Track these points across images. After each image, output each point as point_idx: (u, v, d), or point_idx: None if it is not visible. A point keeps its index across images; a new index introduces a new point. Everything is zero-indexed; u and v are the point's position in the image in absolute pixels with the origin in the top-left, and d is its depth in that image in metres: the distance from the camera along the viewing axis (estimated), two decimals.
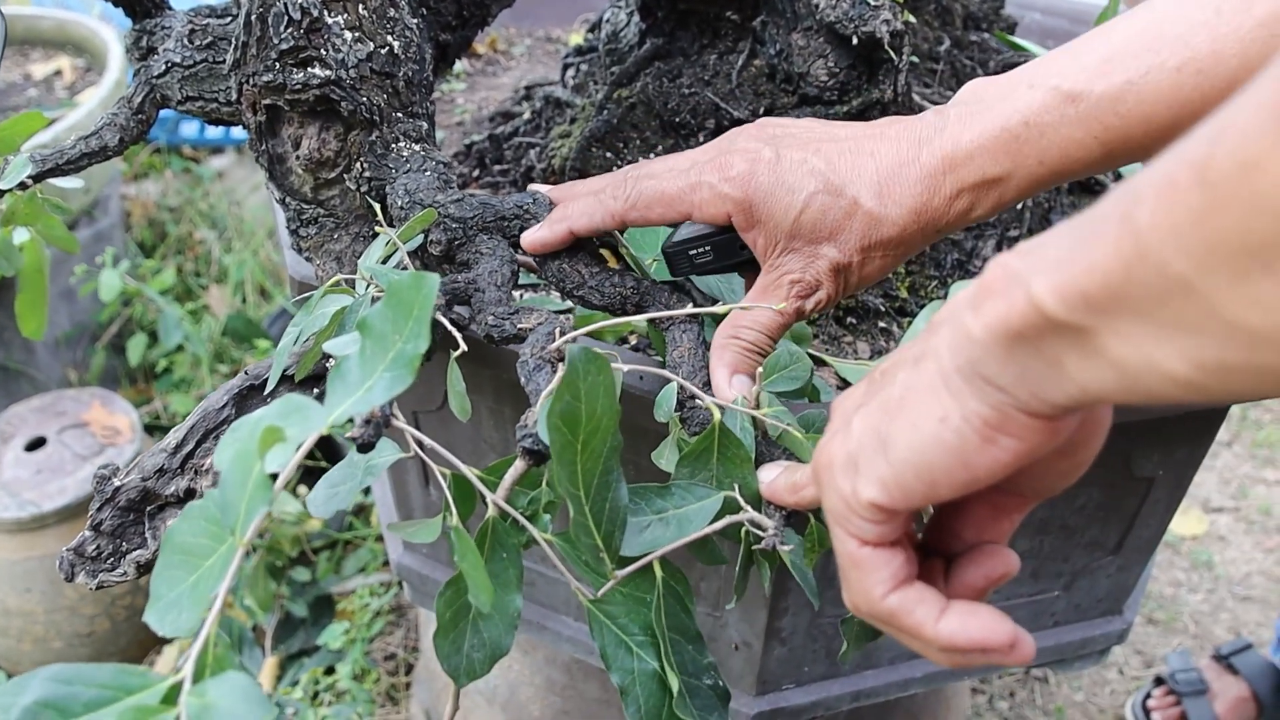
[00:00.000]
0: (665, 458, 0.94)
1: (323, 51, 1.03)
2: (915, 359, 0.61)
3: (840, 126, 0.92)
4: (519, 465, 0.82)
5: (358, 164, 1.08)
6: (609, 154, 1.36)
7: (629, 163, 1.35)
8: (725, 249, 0.95)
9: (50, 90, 3.02)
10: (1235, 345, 0.44)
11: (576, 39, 2.09)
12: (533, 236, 0.98)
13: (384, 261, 0.96)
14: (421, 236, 0.99)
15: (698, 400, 0.91)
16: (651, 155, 1.35)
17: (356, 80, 1.04)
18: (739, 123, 1.31)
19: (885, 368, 0.66)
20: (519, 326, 0.92)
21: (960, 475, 0.58)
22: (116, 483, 1.05)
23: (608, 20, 1.46)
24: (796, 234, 0.88)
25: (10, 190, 1.15)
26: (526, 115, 1.62)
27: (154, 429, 2.76)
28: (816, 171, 0.87)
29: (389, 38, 1.07)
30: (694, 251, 0.96)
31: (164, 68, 1.17)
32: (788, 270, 0.89)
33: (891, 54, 1.23)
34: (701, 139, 1.33)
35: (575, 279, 0.98)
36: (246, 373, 1.08)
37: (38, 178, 1.15)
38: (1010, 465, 0.57)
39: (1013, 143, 0.82)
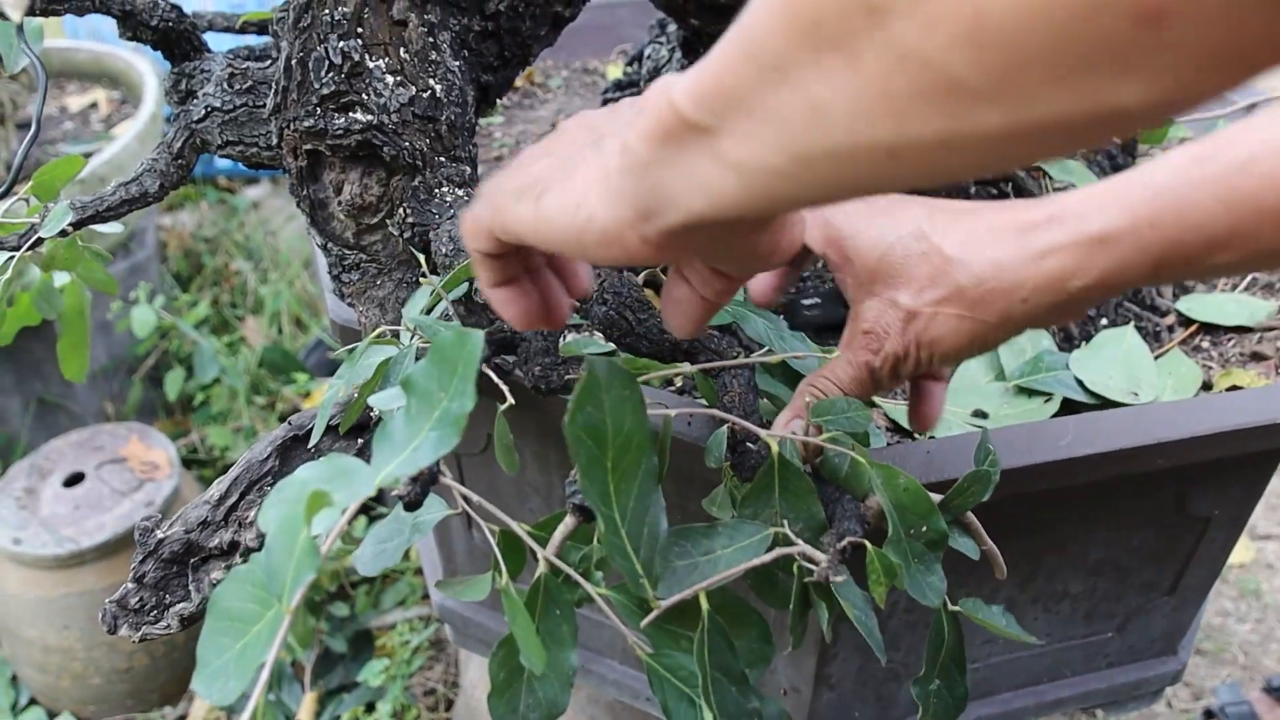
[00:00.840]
0: (718, 505, 0.92)
1: (364, 96, 1.02)
2: (598, 140, 0.65)
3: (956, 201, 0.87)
4: (569, 522, 0.81)
5: (400, 209, 1.06)
6: None
7: None
8: (831, 299, 0.93)
9: (86, 123, 3.02)
10: (814, 128, 0.48)
11: (615, 71, 2.08)
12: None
13: (428, 311, 0.94)
14: (466, 284, 0.97)
15: (749, 444, 0.89)
16: None
17: (398, 125, 1.03)
18: None
19: (581, 130, 0.72)
20: (566, 377, 0.90)
21: (575, 252, 0.66)
22: (159, 535, 1.04)
23: (649, 56, 1.45)
24: (877, 276, 0.83)
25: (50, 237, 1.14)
26: None
27: (191, 463, 2.75)
28: (913, 216, 0.83)
29: (431, 81, 1.05)
30: (806, 302, 0.94)
31: (204, 112, 1.16)
32: (863, 318, 0.85)
33: None
34: None
35: (622, 326, 0.96)
36: (290, 423, 1.07)
37: (78, 225, 1.14)
38: (615, 263, 0.70)
39: (1122, 196, 0.75)
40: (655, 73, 1.42)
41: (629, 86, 1.59)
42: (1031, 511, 1.15)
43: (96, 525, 2.23)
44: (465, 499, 0.84)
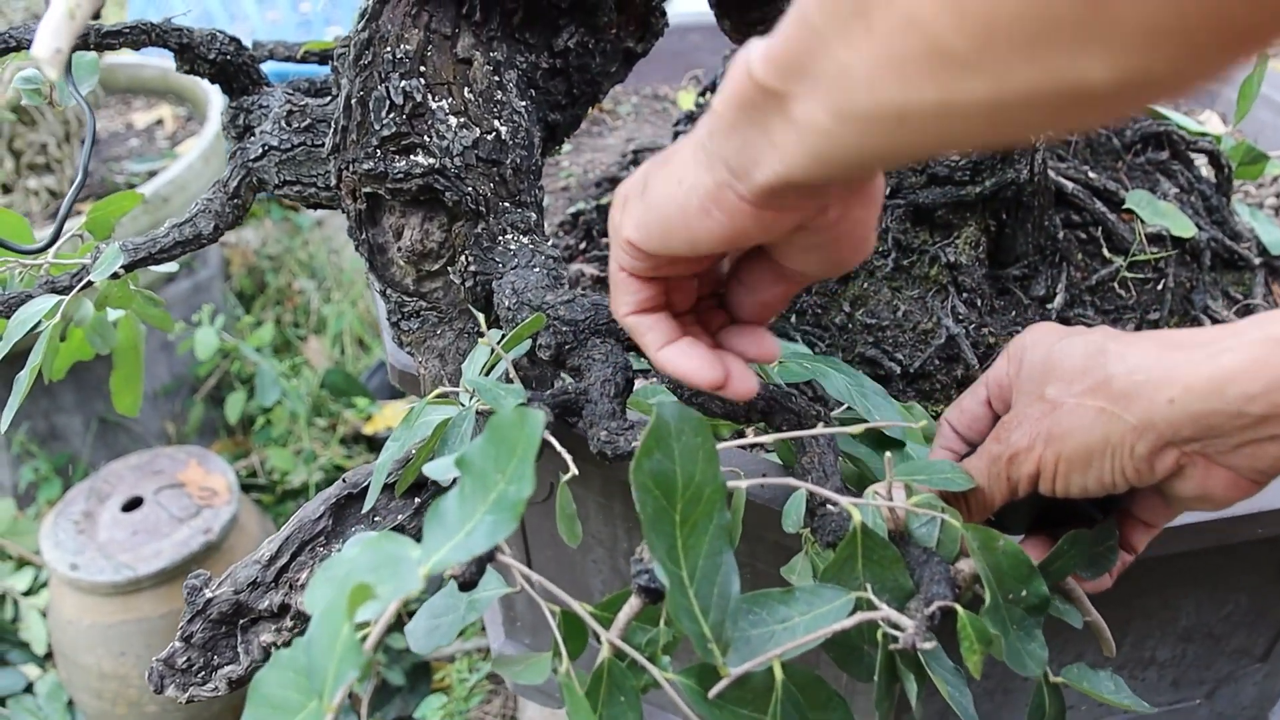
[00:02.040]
0: (798, 573, 0.86)
1: (426, 138, 0.98)
2: (694, 128, 0.66)
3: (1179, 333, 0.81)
4: (634, 603, 0.75)
5: (462, 257, 1.02)
6: None
7: None
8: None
9: (151, 140, 3.01)
10: (844, 90, 0.52)
11: (686, 99, 2.03)
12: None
13: (488, 371, 0.89)
14: (530, 341, 0.93)
15: (830, 506, 0.84)
16: None
17: (461, 169, 0.99)
18: None
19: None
20: (634, 444, 0.85)
21: (684, 234, 0.67)
22: (208, 594, 1.00)
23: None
24: (1033, 376, 0.78)
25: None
26: None
27: (251, 487, 2.72)
28: (1099, 332, 0.76)
29: (496, 123, 1.01)
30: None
31: (260, 151, 1.12)
32: (1012, 412, 0.79)
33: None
34: None
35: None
36: (345, 480, 1.02)
37: (130, 267, 1.10)
38: (723, 238, 0.66)
39: None
40: None
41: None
42: (1120, 576, 1.09)
43: (154, 552, 2.20)
44: (526, 578, 0.79)
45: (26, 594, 2.52)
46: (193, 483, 2.32)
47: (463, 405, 0.88)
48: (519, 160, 1.02)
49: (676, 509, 0.67)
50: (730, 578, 0.70)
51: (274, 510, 2.63)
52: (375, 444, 2.75)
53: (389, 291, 1.06)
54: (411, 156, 0.98)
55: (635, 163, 1.71)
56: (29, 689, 2.41)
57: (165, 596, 2.21)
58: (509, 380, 0.87)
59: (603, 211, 1.54)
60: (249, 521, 2.33)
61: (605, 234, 1.52)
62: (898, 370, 1.22)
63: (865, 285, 1.24)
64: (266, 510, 2.62)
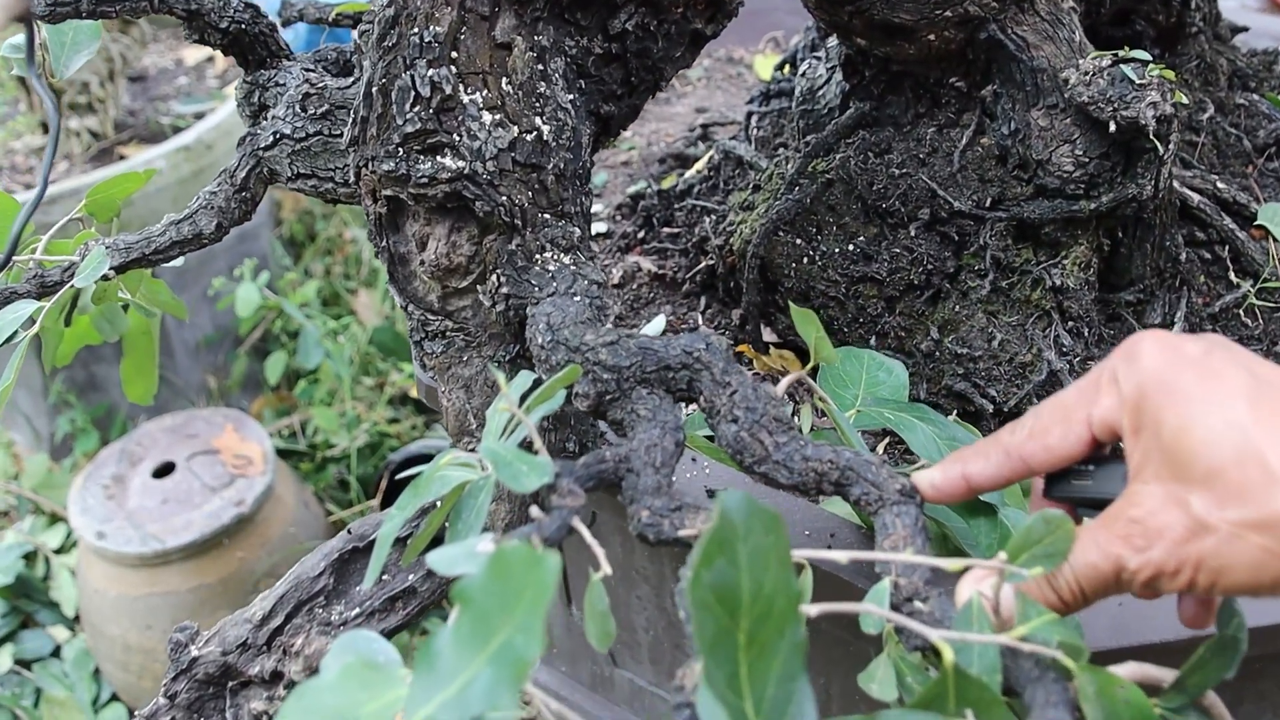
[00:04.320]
0: (879, 682, 0.72)
1: (455, 137, 0.84)
2: None
3: None
4: None
5: (493, 276, 0.88)
6: (800, 240, 1.14)
7: (823, 254, 1.13)
8: (1110, 477, 0.71)
9: (201, 78, 2.89)
10: None
11: (764, 65, 1.87)
12: (925, 479, 0.77)
13: (508, 434, 0.75)
14: (564, 390, 0.79)
15: (919, 603, 0.70)
16: (851, 246, 1.12)
17: (495, 174, 0.85)
18: (959, 215, 1.09)
19: None
20: (680, 531, 0.71)
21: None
22: (194, 652, 0.89)
23: (804, 75, 1.24)
24: (1171, 460, 0.62)
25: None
26: (702, 168, 1.40)
27: (290, 453, 2.60)
28: (1233, 395, 0.61)
29: (537, 120, 0.87)
30: (1078, 469, 0.73)
31: (272, 139, 0.98)
32: (1138, 504, 0.64)
33: (1156, 143, 0.99)
34: (913, 231, 1.11)
35: (757, 451, 0.77)
36: (349, 532, 0.90)
37: (121, 269, 0.97)
38: None
39: None
40: (810, 94, 1.22)
41: (777, 96, 1.39)
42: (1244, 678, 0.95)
43: (184, 524, 2.09)
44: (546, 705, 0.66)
45: (59, 551, 2.43)
46: (227, 450, 2.20)
47: (481, 469, 0.74)
48: (563, 165, 0.88)
49: (742, 628, 0.55)
50: (805, 707, 0.57)
51: (314, 479, 2.52)
52: (423, 407, 2.63)
53: (411, 308, 0.93)
54: (438, 158, 0.84)
55: (704, 138, 1.56)
56: (56, 653, 2.32)
57: (194, 570, 2.11)
58: (532, 448, 0.73)
59: (665, 196, 1.40)
60: (285, 492, 2.22)
61: (667, 222, 1.38)
62: (990, 408, 1.07)
63: (957, 308, 1.10)
64: (306, 479, 2.50)
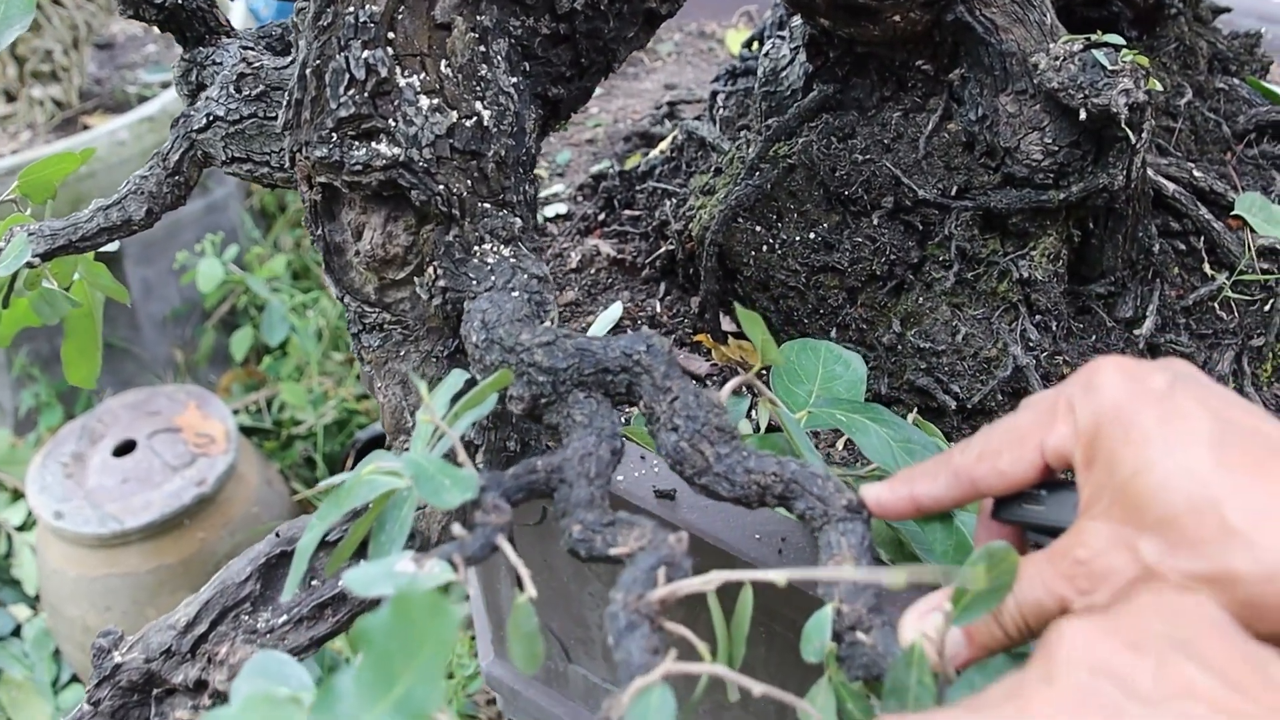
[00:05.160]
0: (819, 708, 0.69)
1: (391, 122, 0.80)
2: None
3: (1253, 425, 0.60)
4: None
5: (431, 268, 0.84)
6: (759, 227, 1.10)
7: (783, 242, 1.09)
8: (1061, 503, 0.67)
9: (170, 46, 2.83)
10: None
11: (735, 39, 1.82)
12: (872, 494, 0.73)
13: (436, 440, 0.71)
14: (496, 397, 0.75)
15: (861, 634, 0.66)
16: (812, 234, 1.08)
17: (432, 162, 0.81)
18: (924, 203, 1.04)
19: None
20: (612, 548, 0.67)
21: None
22: (117, 658, 0.85)
23: (768, 55, 1.20)
24: (1123, 499, 0.58)
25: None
26: (666, 149, 1.36)
27: (254, 431, 2.55)
28: (1195, 439, 0.57)
29: (477, 104, 0.82)
30: (1026, 494, 0.69)
31: (205, 121, 0.94)
32: (1085, 543, 0.59)
33: (1128, 132, 0.95)
34: (876, 220, 1.06)
35: (697, 462, 0.73)
36: (278, 535, 0.86)
37: (47, 256, 0.93)
38: None
39: None
40: (774, 75, 1.17)
41: (744, 75, 1.34)
42: None
43: (143, 504, 2.05)
44: None
45: (20, 529, 2.39)
46: (189, 428, 2.17)
47: (405, 479, 0.70)
48: (504, 152, 0.84)
49: None
50: None
51: (279, 457, 2.48)
52: None
53: (348, 299, 0.89)
54: (372, 144, 0.80)
55: (671, 116, 1.52)
56: (17, 632, 2.29)
57: (154, 551, 2.07)
58: (456, 463, 0.69)
59: (627, 177, 1.35)
60: (248, 471, 2.18)
61: (628, 204, 1.33)
62: (952, 404, 1.03)
63: (921, 300, 1.06)
64: (271, 457, 2.46)
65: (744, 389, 0.87)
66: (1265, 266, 1.10)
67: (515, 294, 0.81)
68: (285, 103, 0.83)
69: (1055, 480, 0.67)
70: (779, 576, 0.64)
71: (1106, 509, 0.58)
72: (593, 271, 1.25)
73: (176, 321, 2.68)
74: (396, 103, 0.80)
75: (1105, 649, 0.51)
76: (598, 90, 1.70)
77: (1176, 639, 0.50)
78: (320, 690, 0.51)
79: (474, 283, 0.83)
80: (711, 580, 0.64)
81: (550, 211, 1.36)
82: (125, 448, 2.17)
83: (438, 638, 0.47)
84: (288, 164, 0.86)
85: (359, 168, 0.80)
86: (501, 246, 0.84)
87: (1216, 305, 1.10)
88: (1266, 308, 1.11)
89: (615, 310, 1.17)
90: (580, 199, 1.39)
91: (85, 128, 2.47)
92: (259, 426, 2.56)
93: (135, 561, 2.06)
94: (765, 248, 1.09)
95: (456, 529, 0.65)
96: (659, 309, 1.20)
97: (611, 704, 0.58)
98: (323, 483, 0.75)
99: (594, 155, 1.50)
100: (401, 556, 0.63)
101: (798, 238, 1.08)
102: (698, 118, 1.42)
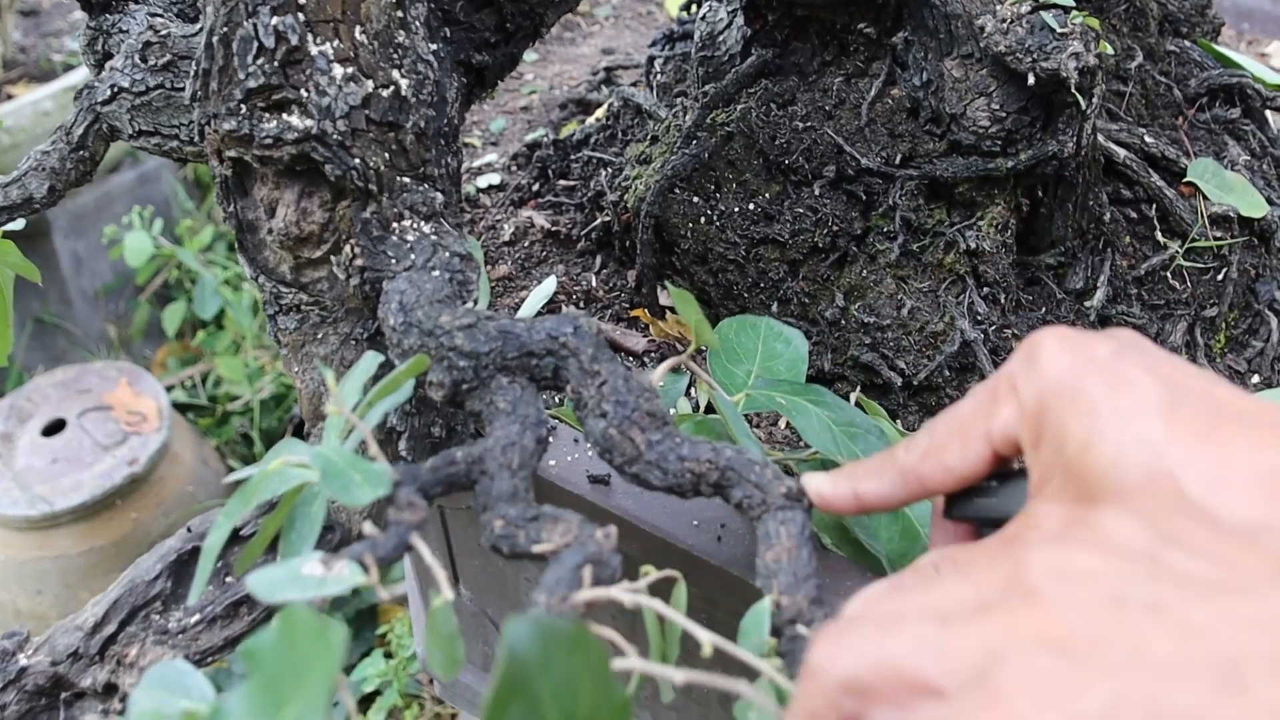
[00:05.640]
0: (756, 713, 0.65)
1: (303, 93, 0.75)
2: None
3: (1245, 394, 0.55)
4: None
5: (347, 246, 0.79)
6: (697, 198, 1.06)
7: (721, 213, 1.05)
8: (1014, 494, 0.63)
9: None
10: None
11: (674, 1, 1.77)
12: (814, 486, 0.69)
13: (349, 432, 0.67)
14: (413, 385, 0.70)
15: (803, 630, 0.63)
16: (751, 204, 1.04)
17: (347, 134, 0.76)
18: (867, 172, 1.01)
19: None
20: (536, 545, 0.63)
21: None
22: (22, 661, 0.80)
23: (704, 18, 1.15)
24: (1076, 477, 0.54)
25: None
26: (602, 116, 1.32)
27: (189, 407, 2.50)
28: (1147, 407, 0.53)
29: (395, 74, 0.78)
30: (977, 487, 0.64)
31: (110, 93, 0.89)
32: (1035, 525, 0.54)
33: (1078, 97, 0.92)
34: (817, 190, 1.02)
35: (627, 450, 0.69)
36: (189, 530, 0.81)
37: None
38: None
39: None
40: (711, 39, 1.13)
41: (682, 39, 1.30)
42: None
43: (73, 485, 2.00)
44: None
45: None
46: (121, 405, 2.11)
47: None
48: (424, 123, 0.80)
49: None
50: None
51: (214, 434, 2.42)
52: None
53: (262, 280, 0.84)
54: (283, 116, 0.76)
55: (607, 82, 1.48)
56: None
57: (85, 533, 2.02)
58: (368, 456, 0.64)
59: (561, 146, 1.31)
60: (182, 449, 2.13)
61: (563, 174, 1.29)
62: (899, 381, 1.00)
63: (865, 273, 1.02)
64: (206, 434, 2.41)
65: (682, 368, 0.83)
66: (1218, 234, 1.07)
67: (436, 273, 0.77)
68: (192, 73, 0.79)
69: (1007, 470, 0.63)
70: (706, 639, 0.60)
71: (1058, 489, 0.55)
72: (526, 244, 1.20)
73: (109, 296, 2.62)
74: (308, 72, 0.75)
75: (1087, 558, 0.47)
76: (532, 55, 1.65)
77: (1159, 535, 0.47)
78: (210, 711, 0.48)
79: (393, 261, 0.78)
80: (639, 586, 0.61)
81: (483, 182, 1.31)
82: (54, 427, 2.12)
83: (323, 664, 0.43)
84: (197, 137, 0.81)
85: (270, 141, 0.76)
86: (422, 223, 0.80)
87: (1169, 275, 1.07)
88: (1219, 277, 1.08)
89: (549, 285, 1.13)
90: (514, 169, 1.34)
91: (9, 97, 2.40)
92: (194, 403, 2.50)
93: (66, 544, 2.01)
94: (703, 219, 1.05)
95: (368, 528, 0.60)
96: (595, 283, 1.16)
97: None
98: (231, 475, 0.71)
99: (529, 123, 1.45)
100: (310, 558, 0.59)
101: (736, 208, 1.04)
102: (634, 84, 1.38)
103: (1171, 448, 0.51)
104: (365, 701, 1.98)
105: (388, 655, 1.97)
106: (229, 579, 0.81)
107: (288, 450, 0.68)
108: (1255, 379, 1.09)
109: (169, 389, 2.44)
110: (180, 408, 2.44)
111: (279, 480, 0.66)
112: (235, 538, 0.83)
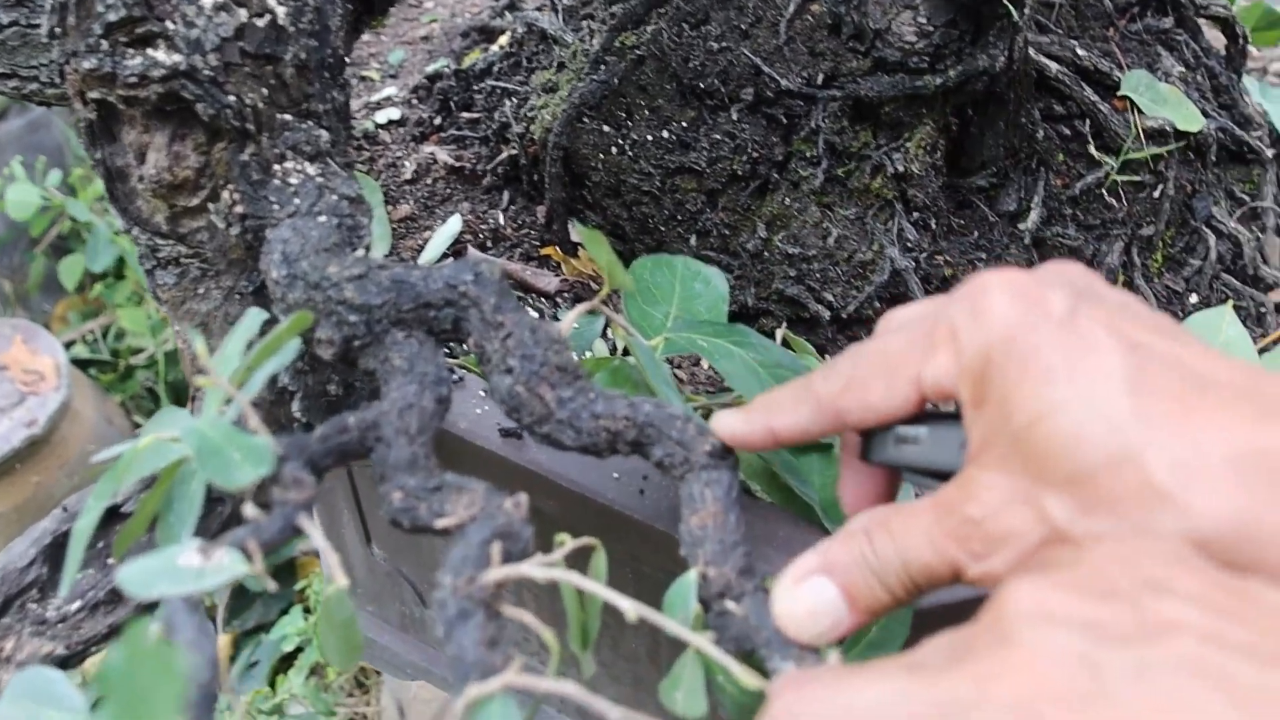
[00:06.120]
0: (684, 691, 0.60)
1: (169, 25, 0.69)
2: None
3: (1215, 356, 0.50)
4: None
5: (225, 192, 0.73)
6: (607, 127, 0.99)
7: (634, 143, 0.99)
8: (944, 443, 0.57)
9: None
10: None
11: None
12: (726, 425, 0.63)
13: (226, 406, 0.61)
14: (301, 344, 0.64)
15: (731, 605, 0.58)
16: (665, 132, 0.98)
17: (219, 69, 0.70)
18: (787, 94, 0.95)
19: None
20: (439, 519, 0.58)
21: None
22: None
23: None
24: (1025, 449, 0.48)
25: None
26: (506, 43, 1.25)
27: (92, 363, 2.41)
28: (1120, 371, 0.47)
29: (270, 1, 0.71)
30: (902, 432, 0.58)
31: None
32: (978, 498, 0.50)
33: (1009, 8, 0.86)
34: (735, 114, 0.96)
35: (536, 409, 0.63)
36: (65, 509, 0.75)
37: None
38: None
39: None
40: None
41: None
42: None
43: None
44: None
45: None
46: (16, 365, 2.02)
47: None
48: (304, 54, 0.73)
49: None
50: None
51: (118, 389, 2.34)
52: None
53: (137, 231, 0.77)
54: (149, 51, 0.69)
55: (511, 7, 1.40)
56: None
57: None
58: (248, 429, 0.58)
59: (464, 76, 1.24)
60: (84, 408, 2.05)
61: (465, 106, 1.22)
62: (827, 315, 0.95)
63: (788, 201, 0.96)
64: (110, 390, 2.32)
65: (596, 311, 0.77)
66: (1153, 149, 1.03)
67: (323, 219, 0.70)
68: (49, 7, 0.71)
69: (933, 413, 0.57)
70: (629, 608, 0.54)
71: (1002, 458, 0.49)
72: (429, 182, 1.14)
73: (3, 250, 2.51)
74: (175, 2, 0.68)
75: (1069, 602, 0.41)
76: None
77: (1146, 581, 0.41)
78: None
79: (275, 207, 0.72)
80: (555, 559, 0.55)
81: (382, 117, 1.24)
82: None
83: (165, 698, 0.38)
84: (58, 78, 0.74)
85: (135, 80, 0.69)
86: (306, 164, 0.73)
87: (1104, 193, 1.02)
88: (1156, 194, 1.03)
89: (454, 224, 1.06)
90: (415, 102, 1.27)
91: None
92: (96, 358, 2.41)
93: None
94: (614, 149, 0.99)
95: (249, 510, 0.54)
96: (502, 220, 1.09)
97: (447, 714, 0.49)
98: (101, 454, 0.64)
99: (429, 53, 1.38)
100: (187, 547, 0.53)
101: (649, 137, 0.98)
102: (539, 8, 1.31)
103: (1137, 426, 0.45)
104: (287, 660, 1.92)
105: (308, 611, 1.91)
106: (110, 560, 0.74)
107: (166, 421, 0.62)
108: (1194, 298, 1.05)
109: (68, 345, 2.35)
110: (81, 364, 2.35)
111: (154, 457, 0.60)
112: (116, 514, 0.76)
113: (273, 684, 1.90)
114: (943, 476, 0.54)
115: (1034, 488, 0.47)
